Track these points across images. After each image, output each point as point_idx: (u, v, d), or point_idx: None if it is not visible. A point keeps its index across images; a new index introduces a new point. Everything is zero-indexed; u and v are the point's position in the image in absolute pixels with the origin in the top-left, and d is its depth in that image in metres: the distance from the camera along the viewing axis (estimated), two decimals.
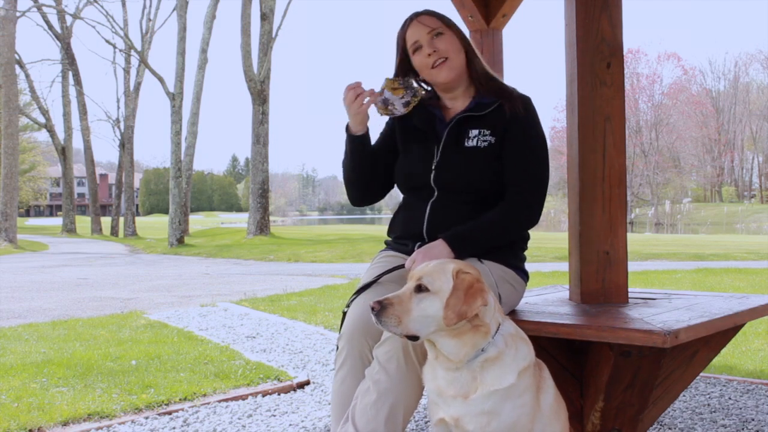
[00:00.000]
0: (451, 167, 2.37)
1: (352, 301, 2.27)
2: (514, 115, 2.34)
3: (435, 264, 1.90)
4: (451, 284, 1.83)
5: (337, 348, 2.21)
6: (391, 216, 2.61)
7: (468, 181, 2.35)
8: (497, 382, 1.83)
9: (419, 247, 2.31)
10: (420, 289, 1.84)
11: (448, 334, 1.82)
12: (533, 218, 2.35)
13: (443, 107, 2.49)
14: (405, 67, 2.46)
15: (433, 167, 2.40)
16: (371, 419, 2.00)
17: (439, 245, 2.24)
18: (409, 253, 2.35)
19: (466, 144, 2.37)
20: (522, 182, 2.33)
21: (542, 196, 2.36)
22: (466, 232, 2.27)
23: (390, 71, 2.51)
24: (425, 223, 2.39)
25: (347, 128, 2.45)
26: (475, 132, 2.37)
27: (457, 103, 2.47)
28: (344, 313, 2.26)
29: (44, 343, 5.02)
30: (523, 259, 2.47)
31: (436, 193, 2.40)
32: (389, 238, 2.58)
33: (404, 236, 2.46)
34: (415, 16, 2.43)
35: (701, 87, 59.92)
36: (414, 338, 1.84)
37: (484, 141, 2.36)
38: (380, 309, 1.80)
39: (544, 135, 2.43)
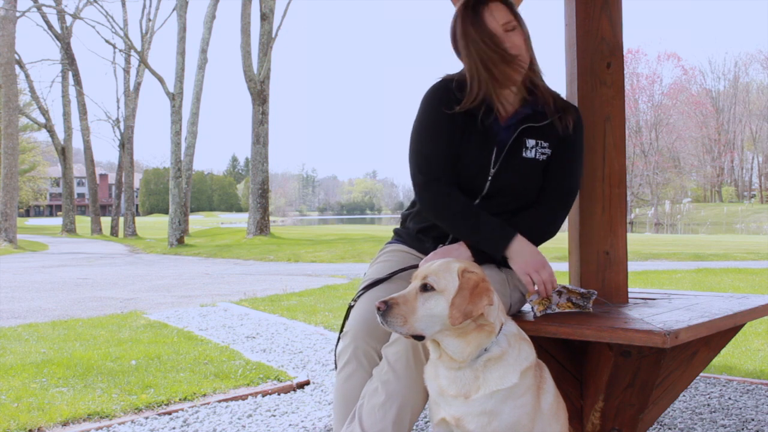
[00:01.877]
0: (508, 176, 2.28)
1: (360, 295, 2.22)
2: (568, 132, 2.30)
3: (440, 263, 1.89)
4: (456, 283, 1.82)
5: (338, 343, 2.17)
6: (413, 204, 2.45)
7: (521, 192, 2.29)
8: (500, 382, 1.82)
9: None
10: (425, 288, 1.83)
11: (453, 333, 1.82)
12: (555, 231, 2.34)
13: (497, 104, 2.30)
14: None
15: (490, 174, 2.29)
16: (379, 420, 1.98)
17: (460, 249, 2.20)
18: (423, 251, 2.31)
19: (524, 154, 2.29)
20: (556, 195, 2.30)
21: (568, 211, 2.37)
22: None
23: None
24: None
25: (503, 246, 2.19)
26: (532, 142, 2.29)
27: (509, 102, 2.32)
28: (350, 307, 2.21)
29: (44, 343, 5.02)
30: None
31: (479, 200, 2.30)
32: (404, 228, 2.45)
33: (426, 231, 2.36)
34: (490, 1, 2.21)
35: (701, 87, 59.97)
36: (419, 338, 1.83)
37: (543, 154, 2.30)
38: (386, 309, 1.79)
39: (584, 154, 2.40)
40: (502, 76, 2.20)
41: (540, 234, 2.30)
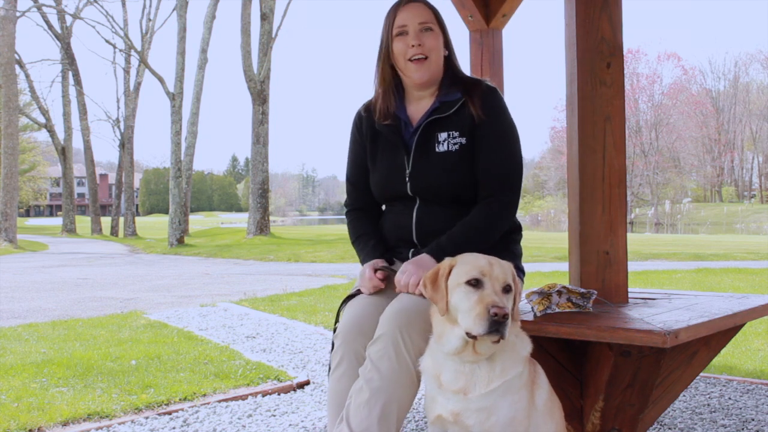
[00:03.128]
0: (425, 175, 2.31)
1: (342, 306, 2.27)
2: (479, 114, 2.28)
3: (497, 263, 1.90)
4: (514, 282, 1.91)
5: (333, 347, 2.21)
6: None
7: (445, 187, 2.30)
8: (509, 371, 1.85)
9: (413, 253, 2.32)
10: (507, 290, 1.86)
11: None
12: (510, 217, 2.32)
13: (409, 108, 2.42)
14: (387, 52, 2.37)
15: (407, 178, 2.34)
16: (364, 418, 1.99)
17: (427, 258, 2.22)
18: (403, 259, 2.35)
19: (437, 149, 2.31)
20: (493, 183, 2.28)
21: (516, 193, 2.32)
22: (450, 245, 2.23)
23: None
24: (414, 231, 2.36)
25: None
26: (444, 135, 2.31)
27: (422, 102, 2.40)
28: (336, 321, 2.26)
29: (44, 343, 5.02)
30: (520, 254, 2.47)
31: (417, 202, 2.36)
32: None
33: (396, 244, 2.43)
34: (411, 0, 2.35)
35: (701, 87, 59.89)
36: (475, 337, 1.81)
37: (455, 144, 2.29)
38: (504, 320, 1.77)
39: (513, 127, 2.34)
40: (406, 73, 2.34)
41: (496, 222, 2.27)
